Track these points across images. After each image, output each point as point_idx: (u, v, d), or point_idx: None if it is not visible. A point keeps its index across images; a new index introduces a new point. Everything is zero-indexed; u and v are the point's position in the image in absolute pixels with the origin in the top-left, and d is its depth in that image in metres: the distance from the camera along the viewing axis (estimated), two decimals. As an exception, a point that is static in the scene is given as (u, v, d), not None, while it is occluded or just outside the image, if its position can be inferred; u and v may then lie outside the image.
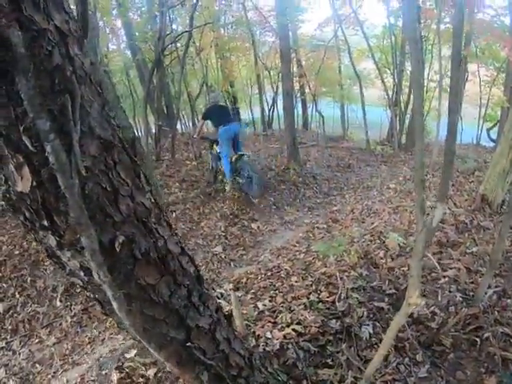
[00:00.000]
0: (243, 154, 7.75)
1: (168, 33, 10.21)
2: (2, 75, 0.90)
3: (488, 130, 13.35)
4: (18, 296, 4.75)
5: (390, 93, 13.05)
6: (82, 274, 1.25)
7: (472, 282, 3.45)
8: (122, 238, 1.14)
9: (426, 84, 13.74)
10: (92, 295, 1.38)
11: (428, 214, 1.61)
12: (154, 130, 11.32)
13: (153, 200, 1.32)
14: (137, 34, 12.31)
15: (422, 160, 1.53)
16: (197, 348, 1.59)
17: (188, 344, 1.54)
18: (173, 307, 1.42)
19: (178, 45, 11.71)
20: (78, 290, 4.74)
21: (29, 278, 4.95)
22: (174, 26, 12.75)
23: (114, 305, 1.16)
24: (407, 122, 13.33)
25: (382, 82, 12.53)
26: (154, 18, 10.72)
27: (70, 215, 1.03)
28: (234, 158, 7.56)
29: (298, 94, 16.16)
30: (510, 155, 4.42)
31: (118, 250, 1.14)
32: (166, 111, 13.15)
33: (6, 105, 0.93)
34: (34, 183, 1.01)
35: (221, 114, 7.69)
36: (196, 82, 15.92)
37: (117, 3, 10.90)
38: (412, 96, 12.54)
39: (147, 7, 12.33)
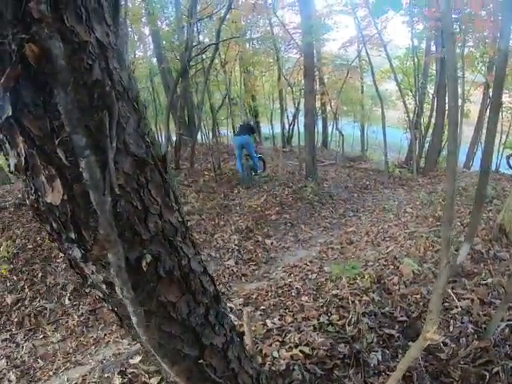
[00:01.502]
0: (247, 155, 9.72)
1: (195, 44, 10.34)
2: (41, 87, 0.90)
3: (508, 157, 13.13)
4: (27, 290, 4.81)
5: (411, 115, 12.99)
6: (104, 287, 1.25)
7: (485, 314, 3.36)
8: (149, 258, 1.14)
9: (447, 108, 13.65)
10: (111, 308, 1.38)
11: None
12: (174, 139, 11.40)
13: (180, 219, 1.32)
14: (164, 42, 12.49)
15: (453, 199, 1.51)
16: (208, 365, 1.58)
17: (200, 361, 1.53)
18: (190, 325, 1.42)
19: (204, 56, 11.85)
20: (88, 291, 4.75)
21: (40, 273, 5.01)
22: (200, 38, 12.92)
23: (134, 320, 1.16)
24: (427, 145, 13.24)
25: (404, 103, 12.48)
26: (181, 29, 10.87)
27: (100, 231, 1.02)
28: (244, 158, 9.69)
29: (320, 112, 16.19)
30: (531, 185, 4.35)
31: (145, 269, 1.14)
32: (187, 121, 13.27)
33: (43, 116, 0.93)
34: (65, 196, 1.01)
35: (239, 129, 10.38)
36: (219, 94, 16.07)
37: (146, 12, 11.07)
38: (433, 120, 12.52)
39: (176, 17, 12.51)
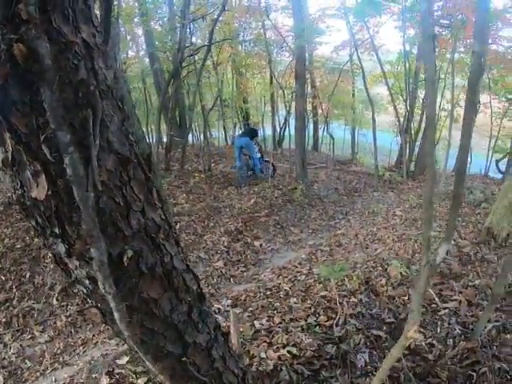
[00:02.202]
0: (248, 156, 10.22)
1: (187, 45, 10.34)
2: (28, 85, 0.92)
3: (497, 161, 13.29)
4: (15, 290, 4.77)
5: (402, 119, 13.07)
6: (87, 282, 1.26)
7: (472, 315, 3.40)
8: (130, 253, 1.16)
9: (437, 113, 13.80)
10: (94, 304, 1.39)
11: (435, 250, 1.62)
12: (165, 140, 11.38)
13: (163, 216, 1.34)
14: (157, 43, 12.47)
15: (432, 199, 1.54)
16: (192, 364, 1.59)
17: (183, 359, 1.54)
18: (172, 322, 1.43)
19: (196, 57, 11.85)
20: (76, 291, 4.73)
21: (28, 273, 4.97)
22: (193, 39, 12.92)
23: (116, 315, 1.17)
24: (417, 149, 13.35)
25: (394, 108, 12.57)
26: (174, 30, 10.86)
27: (82, 226, 1.05)
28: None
29: (311, 115, 16.25)
30: (518, 189, 4.41)
31: (126, 264, 1.15)
32: (178, 122, 13.25)
33: (29, 114, 0.95)
34: (50, 192, 1.03)
35: (241, 131, 11.35)
36: (210, 96, 16.08)
37: (140, 12, 11.04)
38: (423, 125, 12.62)
39: (169, 18, 12.50)
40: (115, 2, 7.06)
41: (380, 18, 12.22)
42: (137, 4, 11.41)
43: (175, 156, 11.26)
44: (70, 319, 4.48)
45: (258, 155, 10.42)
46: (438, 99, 13.07)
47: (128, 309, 1.21)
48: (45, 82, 0.89)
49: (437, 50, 11.13)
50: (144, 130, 12.28)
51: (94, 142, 1.01)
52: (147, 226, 1.24)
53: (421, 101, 13.49)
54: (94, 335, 4.24)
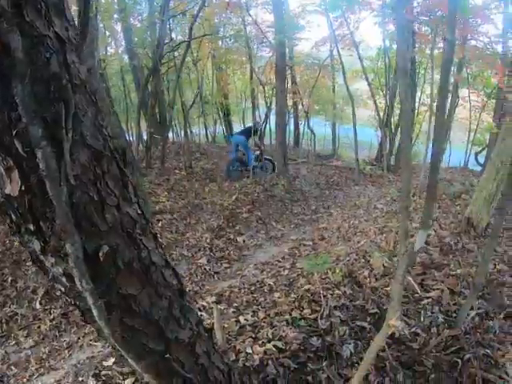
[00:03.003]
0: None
1: (167, 41, 10.25)
2: (0, 79, 0.90)
3: (476, 154, 13.55)
4: (-4, 295, 4.68)
5: (382, 114, 13.19)
6: (64, 280, 1.24)
7: (455, 304, 3.46)
8: (106, 248, 1.14)
9: (416, 107, 13.98)
10: (73, 302, 1.37)
11: (412, 236, 1.64)
12: (145, 137, 11.29)
13: (139, 211, 1.33)
14: (136, 39, 12.31)
15: (409, 188, 1.56)
16: (175, 360, 1.58)
17: (167, 356, 1.53)
18: (153, 318, 1.42)
19: (176, 54, 11.75)
20: (59, 294, 4.65)
21: (9, 278, 4.87)
22: (173, 35, 12.80)
23: (94, 312, 1.16)
24: (397, 143, 13.49)
25: (374, 103, 12.67)
26: (154, 26, 10.76)
27: (56, 222, 1.03)
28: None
29: (291, 111, 16.27)
30: (496, 180, 4.48)
31: (101, 259, 1.14)
32: (158, 119, 13.14)
33: (1, 108, 0.93)
34: (23, 187, 1.01)
35: (240, 130, 11.62)
36: (191, 92, 15.97)
37: (119, 8, 10.89)
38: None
39: (148, 14, 12.35)
40: (94, -2, 6.96)
41: (359, 14, 12.26)
42: (116, 0, 11.23)
43: (156, 153, 11.18)
44: (54, 323, 4.41)
45: (253, 155, 10.64)
46: (418, 94, 13.23)
47: (107, 306, 1.20)
48: (16, 75, 0.88)
49: (417, 45, 11.26)
50: (124, 127, 12.16)
51: (67, 136, 0.99)
52: (123, 221, 1.23)
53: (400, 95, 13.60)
54: (78, 338, 4.18)
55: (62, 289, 1.31)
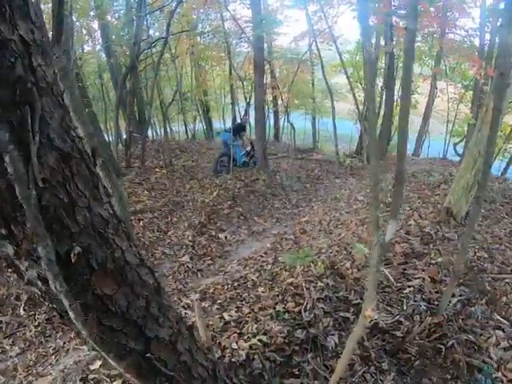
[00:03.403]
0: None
1: (144, 38, 10.16)
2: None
3: (455, 144, 13.77)
4: (-21, 304, 4.59)
5: (361, 107, 13.29)
6: (39, 283, 1.23)
7: (436, 292, 3.53)
8: (78, 249, 1.14)
9: (396, 100, 14.12)
10: (50, 305, 1.37)
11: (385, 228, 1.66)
12: (124, 136, 11.18)
13: (111, 211, 1.32)
14: (113, 37, 12.16)
15: (377, 178, 1.58)
16: (157, 359, 1.58)
17: (148, 355, 1.53)
18: (130, 318, 1.42)
19: (154, 50, 11.65)
20: (37, 297, 4.57)
21: (-9, 286, 4.79)
22: (151, 32, 12.71)
23: (71, 314, 1.16)
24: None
25: (354, 96, 12.74)
26: (131, 22, 10.62)
27: (27, 225, 1.03)
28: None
29: (271, 106, 16.30)
30: (473, 170, 4.56)
31: (73, 260, 1.14)
32: (137, 117, 13.03)
33: (-35, 113, 0.92)
34: (-8, 191, 1.00)
35: (228, 128, 11.27)
36: (169, 89, 15.88)
37: (95, 5, 10.73)
38: (382, 111, 12.91)
39: (125, 11, 12.21)
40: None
41: (338, 8, 12.32)
42: None
43: (135, 152, 11.09)
44: (39, 329, 4.34)
45: (243, 152, 10.82)
46: (397, 87, 13.36)
47: (83, 307, 1.20)
48: (-20, 80, 0.86)
49: (395, 39, 11.36)
50: (103, 127, 12.02)
51: (34, 139, 0.98)
52: (94, 222, 1.22)
53: (379, 88, 13.74)
54: (64, 343, 4.12)
55: (38, 292, 1.30)
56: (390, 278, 3.61)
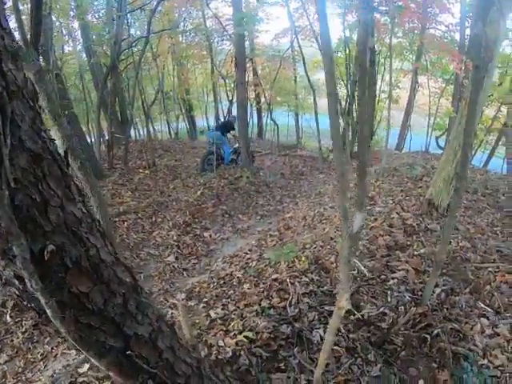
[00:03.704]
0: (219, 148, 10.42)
1: (125, 37, 10.08)
2: None
3: (437, 137, 13.95)
4: (-35, 312, 4.52)
5: (343, 103, 13.36)
6: (16, 282, 1.25)
7: (420, 282, 3.60)
8: (51, 247, 1.15)
9: (377, 95, 14.25)
10: (29, 304, 1.38)
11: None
12: (107, 137, 11.09)
13: (84, 210, 1.34)
14: (94, 37, 12.03)
15: (343, 169, 1.61)
16: (138, 356, 1.58)
17: (128, 352, 1.53)
18: (108, 315, 1.43)
19: (135, 50, 11.57)
20: (29, 305, 4.52)
21: (-24, 294, 4.72)
22: (132, 31, 12.60)
23: (48, 312, 1.18)
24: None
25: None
26: (112, 22, 10.51)
27: (1, 224, 1.04)
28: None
29: (254, 103, 16.31)
30: (454, 162, 4.61)
31: (46, 258, 1.15)
32: (120, 118, 12.92)
33: None
34: (-35, 193, 1.01)
35: (215, 126, 11.92)
36: (152, 89, 15.78)
37: (75, 4, 10.58)
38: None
39: (106, 10, 12.06)
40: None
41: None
42: None
43: (118, 153, 11.02)
44: (26, 335, 4.27)
45: (231, 149, 10.81)
46: (378, 82, 13.47)
47: (59, 305, 1.21)
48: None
49: (376, 35, 11.45)
50: (84, 128, 11.91)
51: (5, 141, 1.00)
52: (67, 220, 1.24)
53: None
54: (52, 348, 4.07)
55: (16, 291, 1.31)
56: (362, 268, 3.66)
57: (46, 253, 1.14)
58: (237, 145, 10.81)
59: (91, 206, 4.43)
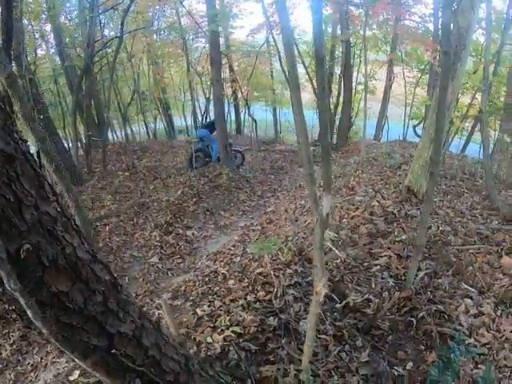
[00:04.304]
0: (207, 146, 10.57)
1: (98, 38, 9.95)
2: None
3: (414, 126, 14.18)
4: (-48, 328, 4.42)
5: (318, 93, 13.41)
6: (-5, 284, 1.23)
7: (403, 268, 3.68)
8: (26, 246, 1.15)
9: (354, 87, 14.37)
10: (9, 307, 1.36)
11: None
12: (84, 141, 10.94)
13: (59, 209, 1.33)
14: (67, 39, 11.80)
15: (309, 154, 1.62)
16: (123, 355, 1.58)
17: (113, 351, 1.52)
18: (89, 314, 1.42)
19: (110, 50, 11.42)
20: (14, 316, 4.46)
21: (-38, 308, 4.62)
22: (106, 32, 12.45)
23: (29, 313, 1.18)
24: (337, 122, 13.81)
25: (312, 85, 12.87)
26: (84, 23, 10.35)
27: None
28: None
29: (231, 100, 16.29)
30: (430, 148, 4.69)
31: (23, 257, 1.15)
32: (96, 121, 12.76)
33: None
34: None
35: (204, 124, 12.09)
36: (128, 90, 15.62)
37: (47, 7, 10.36)
38: (342, 99, 13.13)
39: (78, 11, 11.88)
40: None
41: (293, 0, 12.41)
42: None
43: (97, 157, 10.89)
44: (14, 347, 4.21)
45: (232, 147, 10.71)
46: (355, 74, 13.57)
47: (39, 304, 1.22)
48: None
49: (350, 27, 11.54)
50: (61, 133, 11.71)
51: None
52: (42, 220, 1.24)
53: (337, 77, 13.92)
54: (42, 358, 4.02)
55: (-4, 295, 1.30)
56: (338, 253, 3.71)
57: (22, 252, 1.14)
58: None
59: (67, 206, 4.38)
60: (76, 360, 1.44)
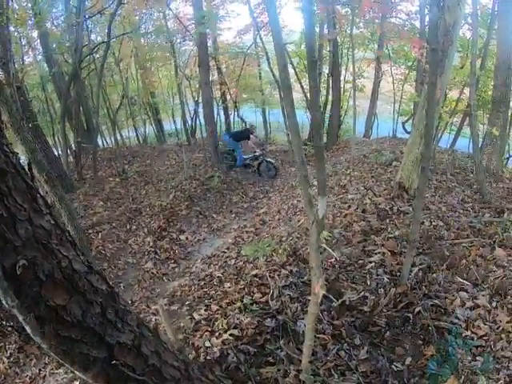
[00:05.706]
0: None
1: (85, 44, 9.87)
2: None
3: (403, 123, 14.22)
4: None
5: (309, 95, 13.40)
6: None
7: (398, 264, 3.69)
8: (22, 262, 1.14)
9: (343, 85, 14.39)
10: (7, 323, 1.35)
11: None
12: (74, 148, 10.84)
13: (53, 221, 1.32)
14: (54, 45, 11.67)
15: (303, 156, 1.62)
16: (124, 365, 1.56)
17: (113, 362, 1.51)
18: (88, 326, 1.41)
19: (97, 56, 11.34)
20: (10, 329, 4.41)
21: (-41, 322, 4.55)
22: (93, 37, 12.33)
23: (27, 329, 1.16)
24: (327, 121, 13.83)
25: (301, 85, 12.87)
26: (71, 29, 10.24)
27: None
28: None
29: (220, 102, 16.26)
30: (421, 144, 4.71)
31: (19, 273, 1.13)
32: (85, 127, 12.66)
33: None
34: None
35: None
36: (117, 95, 15.52)
37: (33, 13, 10.23)
38: (331, 97, 13.17)
39: (65, 17, 11.74)
40: (5, 5, 6.56)
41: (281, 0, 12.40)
42: (30, 4, 10.50)
43: (87, 163, 10.80)
44: (11, 359, 4.13)
45: (245, 156, 10.76)
46: (343, 72, 13.58)
47: (38, 319, 1.20)
48: None
49: (337, 26, 11.56)
50: (50, 141, 11.59)
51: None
52: (36, 234, 1.22)
53: (326, 76, 13.94)
54: (40, 370, 3.96)
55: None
56: (332, 252, 3.72)
57: (18, 268, 1.12)
58: (258, 152, 10.64)
59: (61, 218, 4.35)
60: (76, 372, 1.42)
